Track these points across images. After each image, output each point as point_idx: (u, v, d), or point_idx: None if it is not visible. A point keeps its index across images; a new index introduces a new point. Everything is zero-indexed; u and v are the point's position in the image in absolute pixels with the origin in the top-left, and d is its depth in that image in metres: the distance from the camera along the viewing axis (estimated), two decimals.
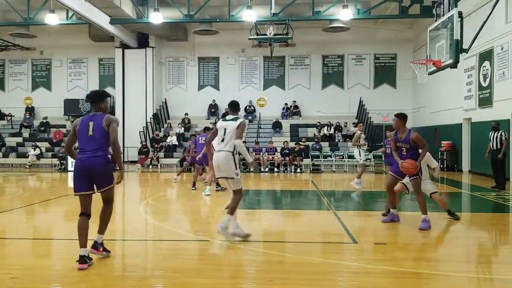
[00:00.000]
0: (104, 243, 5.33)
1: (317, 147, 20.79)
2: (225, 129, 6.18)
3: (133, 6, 19.79)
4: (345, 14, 18.23)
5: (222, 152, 6.12)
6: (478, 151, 15.60)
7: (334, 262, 5.26)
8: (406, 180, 7.27)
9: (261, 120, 24.08)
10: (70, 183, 15.06)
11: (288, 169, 19.45)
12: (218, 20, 20.40)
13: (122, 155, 21.03)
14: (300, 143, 20.22)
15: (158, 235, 7.09)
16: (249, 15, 18.40)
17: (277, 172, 19.22)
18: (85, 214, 5.06)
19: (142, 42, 23.86)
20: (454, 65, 10.92)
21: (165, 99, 25.16)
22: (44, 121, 24.58)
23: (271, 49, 22.33)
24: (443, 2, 11.47)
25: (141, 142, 21.84)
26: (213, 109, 24.48)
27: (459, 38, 10.50)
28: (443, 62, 11.24)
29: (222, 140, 6.14)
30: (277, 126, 23.30)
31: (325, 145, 21.43)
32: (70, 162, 18.84)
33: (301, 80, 24.86)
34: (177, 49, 25.18)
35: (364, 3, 19.21)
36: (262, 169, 19.27)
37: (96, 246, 5.20)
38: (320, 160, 20.21)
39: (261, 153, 19.71)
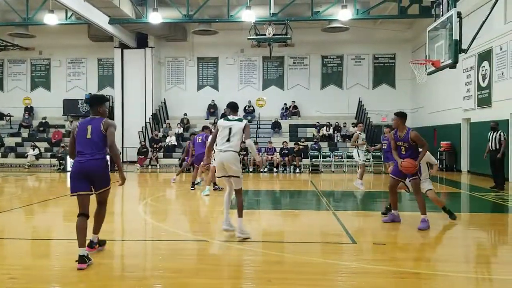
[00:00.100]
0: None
1: (316, 147, 20.80)
2: (230, 129, 6.24)
3: (132, 6, 19.79)
4: (344, 14, 18.24)
5: (229, 152, 6.18)
6: (477, 151, 15.62)
7: (333, 262, 5.26)
8: (406, 181, 7.28)
9: (260, 120, 24.09)
10: (69, 183, 15.05)
11: (287, 169, 19.46)
12: (217, 20, 20.40)
13: (121, 155, 21.03)
14: (299, 143, 20.22)
15: (157, 235, 7.08)
16: (248, 15, 18.39)
17: (276, 172, 19.22)
18: (84, 215, 5.12)
19: (141, 42, 23.85)
20: (453, 65, 10.93)
21: (164, 99, 25.16)
22: (43, 121, 24.56)
23: (270, 49, 22.34)
24: (442, 2, 11.48)
25: (140, 142, 21.83)
26: (212, 109, 24.48)
27: (458, 38, 10.51)
28: (442, 62, 11.25)
29: (228, 140, 6.20)
30: (276, 126, 23.30)
31: (324, 145, 21.44)
32: (69, 162, 18.80)
33: (300, 80, 24.87)
34: (176, 49, 25.18)
35: (363, 3, 19.22)
36: (261, 169, 19.27)
37: (92, 245, 5.39)
38: (319, 160, 20.22)
39: (260, 154, 19.70)
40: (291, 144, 20.35)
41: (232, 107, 6.60)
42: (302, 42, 23.83)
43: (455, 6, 10.70)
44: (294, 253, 5.64)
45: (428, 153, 7.39)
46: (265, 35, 19.56)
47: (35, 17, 19.83)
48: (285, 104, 24.56)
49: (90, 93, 25.02)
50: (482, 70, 16.15)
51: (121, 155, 20.76)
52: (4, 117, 25.61)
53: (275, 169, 19.41)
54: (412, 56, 22.52)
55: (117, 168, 5.38)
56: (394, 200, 7.50)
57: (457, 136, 18.39)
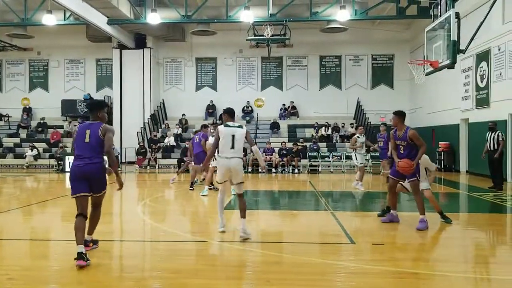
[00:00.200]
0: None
1: (315, 147, 20.81)
2: (233, 136, 6.33)
3: (131, 6, 19.77)
4: (342, 15, 18.25)
5: (235, 159, 6.33)
6: (475, 151, 15.64)
7: (332, 262, 5.26)
8: (405, 182, 7.29)
9: (258, 121, 24.07)
10: (68, 184, 15.04)
11: (286, 169, 19.45)
12: (215, 20, 20.40)
13: (119, 155, 21.03)
14: (298, 143, 20.22)
15: (156, 236, 7.07)
16: (247, 16, 18.38)
17: (275, 172, 19.21)
18: (82, 215, 5.21)
19: (140, 42, 23.84)
20: (451, 66, 10.94)
21: (163, 99, 25.14)
22: (42, 121, 24.52)
23: (268, 49, 22.34)
24: (440, 3, 11.49)
25: (138, 143, 21.81)
26: (210, 110, 24.47)
27: (456, 39, 10.52)
28: (440, 62, 11.26)
29: (233, 147, 6.31)
30: (275, 126, 23.31)
31: (322, 145, 21.45)
32: (68, 163, 18.79)
33: (298, 81, 24.88)
34: (174, 50, 25.17)
35: (362, 4, 19.24)
36: (260, 170, 19.25)
37: (87, 243, 5.46)
38: (318, 161, 20.23)
39: None
40: (289, 145, 20.35)
41: (230, 113, 6.70)
42: (301, 43, 23.84)
43: (453, 7, 10.72)
44: (293, 254, 5.64)
45: (427, 158, 7.42)
46: (263, 35, 19.56)
47: (33, 17, 19.80)
48: (284, 104, 24.56)
49: (89, 94, 25.08)
50: (480, 71, 16.18)
51: (119, 156, 20.78)
52: (3, 118, 25.57)
53: (273, 170, 19.40)
54: (410, 57, 22.54)
55: (110, 172, 5.48)
56: (394, 200, 7.51)
57: (455, 136, 18.42)
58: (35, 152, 21.63)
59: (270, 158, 19.64)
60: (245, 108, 24.46)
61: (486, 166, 13.08)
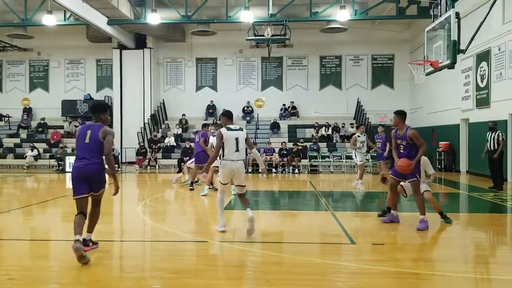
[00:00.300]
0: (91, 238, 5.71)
1: (315, 147, 20.81)
2: (236, 139, 6.49)
3: (131, 7, 19.78)
4: (342, 15, 18.24)
5: (240, 161, 6.56)
6: (475, 151, 15.63)
7: (332, 262, 5.26)
8: (405, 183, 7.29)
9: (259, 121, 24.07)
10: (68, 184, 15.04)
11: (286, 169, 19.46)
12: (215, 21, 20.39)
13: (120, 155, 21.04)
14: (298, 143, 20.23)
15: (156, 236, 7.07)
16: (247, 16, 18.38)
17: (275, 173, 19.21)
18: (82, 213, 5.35)
19: (140, 43, 23.84)
20: (451, 66, 10.94)
21: (163, 100, 25.14)
22: (42, 122, 24.53)
23: (268, 50, 22.34)
24: (440, 3, 11.49)
25: (139, 143, 21.82)
26: (211, 110, 24.47)
27: (456, 39, 10.52)
28: (441, 62, 11.26)
29: (237, 150, 6.48)
30: (275, 127, 23.30)
31: (323, 145, 21.45)
32: (68, 163, 18.80)
33: (299, 81, 24.88)
34: (174, 50, 25.17)
35: (362, 4, 19.23)
36: (260, 171, 19.25)
37: (86, 243, 5.52)
38: (318, 161, 20.23)
39: (259, 154, 19.67)
40: (290, 145, 20.35)
41: (228, 115, 6.87)
42: (301, 43, 23.84)
43: (453, 7, 10.72)
44: (293, 254, 5.64)
45: (427, 160, 7.41)
46: (263, 35, 19.56)
47: (33, 18, 19.80)
48: (284, 104, 24.56)
49: (89, 94, 25.10)
50: (481, 71, 16.17)
51: (120, 156, 20.78)
52: (3, 118, 25.57)
53: (274, 170, 19.40)
54: (410, 57, 22.53)
55: (110, 175, 5.55)
56: (394, 200, 7.51)
57: (455, 136, 18.41)
58: (35, 152, 21.63)
59: (271, 158, 19.64)
60: (245, 108, 24.47)
61: (486, 166, 13.08)
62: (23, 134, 24.41)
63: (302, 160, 19.80)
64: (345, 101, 24.38)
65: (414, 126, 21.74)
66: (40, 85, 26.07)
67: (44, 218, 8.92)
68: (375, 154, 13.61)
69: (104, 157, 5.42)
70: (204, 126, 12.44)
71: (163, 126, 24.07)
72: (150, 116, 23.74)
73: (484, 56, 15.87)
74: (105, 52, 24.52)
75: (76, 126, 22.81)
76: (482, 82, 16.09)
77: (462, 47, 10.74)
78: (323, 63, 24.89)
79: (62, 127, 24.26)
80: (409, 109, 22.89)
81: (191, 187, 12.15)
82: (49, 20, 18.87)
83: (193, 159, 12.91)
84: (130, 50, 23.67)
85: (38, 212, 9.37)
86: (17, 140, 23.80)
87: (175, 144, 22.02)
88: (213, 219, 7.89)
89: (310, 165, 19.99)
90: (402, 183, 7.35)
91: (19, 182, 16.01)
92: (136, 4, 20.02)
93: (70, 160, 18.56)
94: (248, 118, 24.19)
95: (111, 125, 5.92)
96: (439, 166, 18.60)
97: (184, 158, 18.01)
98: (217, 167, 7.91)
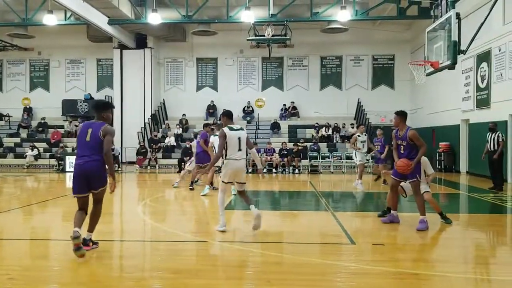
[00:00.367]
0: (91, 238, 5.72)
1: (315, 148, 20.81)
2: (239, 138, 6.66)
3: (131, 6, 19.78)
4: (343, 15, 18.25)
5: (242, 160, 6.76)
6: (475, 152, 15.63)
7: (332, 263, 5.26)
8: (405, 183, 7.29)
9: (259, 121, 24.08)
10: (68, 184, 15.04)
11: (286, 170, 19.46)
12: (216, 21, 20.40)
13: (120, 155, 21.02)
14: (298, 144, 20.23)
15: (156, 236, 7.07)
16: (248, 16, 18.39)
17: (275, 173, 19.21)
18: (82, 209, 5.48)
19: (140, 42, 23.84)
20: (451, 67, 10.96)
21: (163, 99, 25.15)
22: (42, 121, 24.53)
23: (269, 50, 22.34)
24: (441, 4, 11.50)
25: (139, 143, 21.82)
26: (211, 110, 24.48)
27: (457, 40, 10.53)
28: (441, 63, 11.27)
29: (239, 150, 6.66)
30: (275, 127, 23.30)
31: (323, 146, 21.46)
32: (68, 163, 18.81)
33: (299, 81, 24.88)
34: (175, 50, 25.17)
35: (362, 4, 19.24)
36: (257, 170, 19.23)
37: (86, 242, 5.54)
38: (318, 161, 20.23)
39: (259, 154, 19.69)
40: (290, 145, 20.35)
41: (229, 115, 6.99)
42: (301, 43, 23.84)
43: (454, 7, 10.73)
44: (293, 254, 5.64)
45: (426, 160, 7.41)
46: (264, 36, 19.57)
47: (34, 17, 19.81)
48: (284, 105, 24.56)
49: (89, 94, 25.10)
50: (481, 71, 16.17)
51: (120, 156, 20.79)
52: (3, 118, 25.58)
53: (274, 170, 19.40)
54: (411, 57, 22.53)
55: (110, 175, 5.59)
56: (394, 200, 7.51)
57: (456, 137, 18.41)
58: (35, 152, 21.63)
59: (271, 158, 19.65)
60: (245, 108, 24.47)
61: (486, 167, 13.08)
62: (23, 133, 24.41)
63: (302, 160, 19.80)
64: (346, 101, 24.38)
65: (414, 126, 21.67)
66: (41, 85, 26.08)
67: (44, 217, 8.92)
68: (373, 155, 13.59)
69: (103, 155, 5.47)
70: (206, 126, 12.45)
71: (163, 126, 24.08)
72: (151, 116, 23.75)
73: (484, 57, 15.87)
74: (106, 51, 24.52)
75: (76, 126, 22.81)
76: (482, 82, 16.08)
77: (463, 47, 10.75)
78: (323, 63, 24.89)
79: (62, 126, 24.26)
80: (409, 109, 22.87)
81: (191, 187, 12.15)
82: (50, 19, 18.88)
83: (191, 161, 13.01)
84: (130, 50, 23.68)
85: (38, 212, 9.37)
86: (17, 140, 23.80)
87: (175, 144, 22.02)
88: (213, 219, 7.90)
89: (311, 166, 19.99)
90: (402, 183, 7.36)
91: (19, 181, 16.01)
92: (137, 4, 20.02)
93: (70, 160, 18.57)
94: (248, 118, 24.19)
95: (111, 125, 5.93)
96: (439, 167, 18.60)
97: (184, 158, 18.03)
98: (217, 167, 7.94)
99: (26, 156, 21.43)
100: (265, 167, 19.45)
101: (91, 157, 5.36)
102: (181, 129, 23.06)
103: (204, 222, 8.24)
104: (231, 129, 6.69)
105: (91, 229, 5.63)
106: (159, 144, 21.98)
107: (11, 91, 26.19)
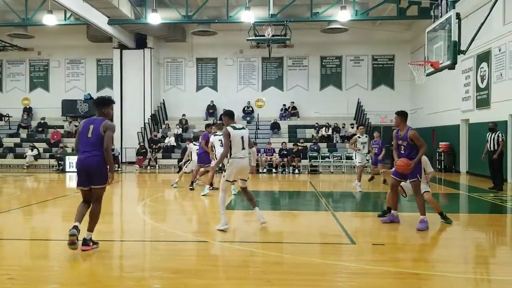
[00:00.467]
0: (92, 238, 5.76)
1: (315, 148, 20.82)
2: (242, 137, 6.81)
3: (131, 6, 19.78)
4: (343, 16, 18.25)
5: (246, 158, 6.90)
6: (475, 152, 15.63)
7: (332, 263, 5.26)
8: (405, 183, 7.29)
9: (259, 121, 24.08)
10: (68, 184, 15.06)
11: (286, 170, 19.46)
12: (216, 21, 20.40)
13: (120, 155, 21.02)
14: (298, 144, 20.24)
15: (156, 236, 7.07)
16: (247, 16, 18.39)
17: (275, 173, 19.21)
18: (85, 201, 5.62)
19: (140, 42, 23.84)
20: (451, 67, 10.96)
21: (163, 100, 25.15)
22: (42, 121, 24.53)
23: (269, 50, 22.34)
24: (441, 4, 11.51)
25: (139, 143, 21.82)
26: (211, 110, 24.47)
27: (457, 40, 10.53)
28: (441, 63, 11.27)
29: (243, 148, 6.79)
30: (275, 127, 23.31)
31: (323, 146, 21.46)
32: (68, 163, 18.81)
33: (299, 81, 24.88)
34: (175, 50, 25.17)
35: (362, 4, 19.24)
36: (260, 170, 19.26)
37: (87, 242, 5.59)
38: (318, 161, 20.24)
39: (259, 154, 19.69)
40: (290, 145, 20.36)
41: (230, 115, 7.06)
42: (301, 43, 23.84)
43: (454, 7, 10.73)
44: (293, 254, 5.64)
45: (427, 160, 7.42)
46: (264, 36, 19.57)
47: (34, 17, 19.80)
48: (284, 105, 24.56)
49: (89, 94, 25.09)
50: (481, 71, 16.17)
51: (120, 156, 20.78)
52: (3, 118, 25.58)
53: (274, 170, 19.40)
54: (411, 57, 22.53)
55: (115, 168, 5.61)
56: (394, 200, 7.51)
57: (455, 137, 18.42)
58: (35, 152, 21.63)
59: (271, 158, 19.64)
60: (245, 109, 24.46)
61: (486, 167, 13.08)
62: (23, 133, 24.41)
63: (302, 160, 19.81)
64: (346, 101, 24.38)
65: (414, 126, 21.64)
66: (40, 85, 26.07)
67: (44, 217, 8.92)
68: (370, 157, 13.63)
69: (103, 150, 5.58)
70: (208, 126, 12.47)
71: (163, 126, 24.08)
72: (150, 116, 23.74)
73: (484, 57, 15.87)
74: (106, 52, 24.52)
75: (76, 126, 22.80)
76: (482, 82, 16.09)
77: (463, 47, 10.76)
78: (323, 63, 24.89)
79: (62, 127, 24.26)
80: (409, 109, 22.85)
81: (191, 187, 12.15)
82: (50, 19, 18.87)
83: (188, 164, 13.08)
84: (130, 50, 23.68)
85: (38, 212, 9.37)
86: (17, 140, 23.80)
87: (175, 144, 22.02)
88: (213, 219, 7.90)
89: (310, 166, 19.99)
90: (402, 183, 7.36)
91: (19, 181, 16.01)
92: (137, 4, 20.02)
93: (70, 160, 18.59)
94: (248, 118, 24.18)
95: (112, 120, 6.00)
96: (439, 167, 18.61)
97: (180, 161, 18.04)
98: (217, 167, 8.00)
99: (26, 156, 21.43)
100: (265, 167, 19.47)
101: (91, 152, 5.49)
102: (181, 129, 23.06)
103: (204, 222, 8.24)
104: (234, 128, 6.80)
105: (90, 228, 5.65)
106: (159, 144, 21.98)
107: (11, 91, 26.19)
